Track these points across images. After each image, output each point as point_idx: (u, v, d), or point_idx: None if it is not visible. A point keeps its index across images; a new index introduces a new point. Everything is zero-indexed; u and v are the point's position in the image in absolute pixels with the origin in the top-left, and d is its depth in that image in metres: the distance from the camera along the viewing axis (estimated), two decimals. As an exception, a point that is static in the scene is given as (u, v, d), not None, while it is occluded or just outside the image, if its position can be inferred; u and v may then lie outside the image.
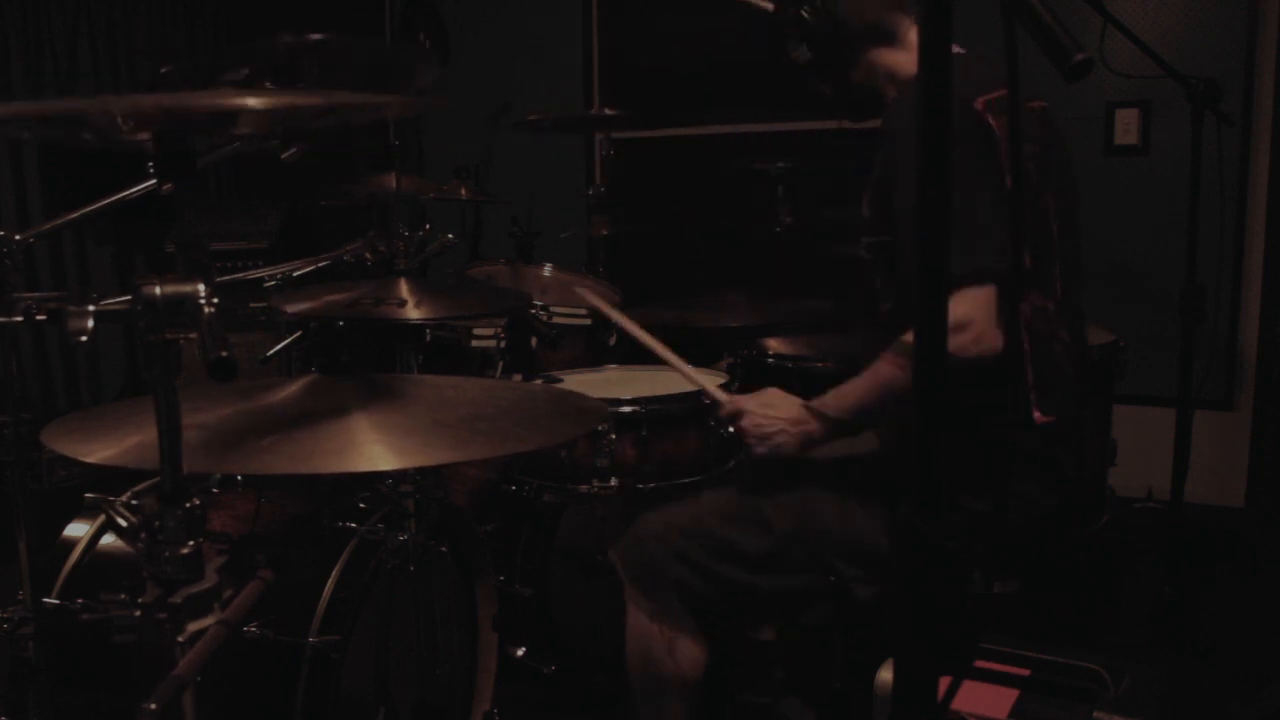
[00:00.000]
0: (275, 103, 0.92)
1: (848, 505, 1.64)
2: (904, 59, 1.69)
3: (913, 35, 1.68)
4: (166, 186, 0.93)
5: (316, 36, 1.55)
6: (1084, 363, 1.69)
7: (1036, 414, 1.57)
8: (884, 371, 1.55)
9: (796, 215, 2.99)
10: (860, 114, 1.81)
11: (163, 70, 1.62)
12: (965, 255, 1.44)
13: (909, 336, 1.48)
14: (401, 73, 1.82)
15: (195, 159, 0.92)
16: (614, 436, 2.14)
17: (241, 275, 1.87)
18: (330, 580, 1.58)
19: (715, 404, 1.80)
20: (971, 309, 1.45)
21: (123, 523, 0.93)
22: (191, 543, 0.91)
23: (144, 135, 0.90)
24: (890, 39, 1.68)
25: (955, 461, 1.41)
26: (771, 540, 1.64)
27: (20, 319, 1.24)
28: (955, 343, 1.41)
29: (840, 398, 1.62)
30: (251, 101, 0.88)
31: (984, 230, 1.45)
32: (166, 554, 0.90)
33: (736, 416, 1.71)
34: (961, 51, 1.66)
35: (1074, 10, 2.32)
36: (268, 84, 1.59)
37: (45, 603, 1.39)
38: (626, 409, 2.15)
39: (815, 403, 1.65)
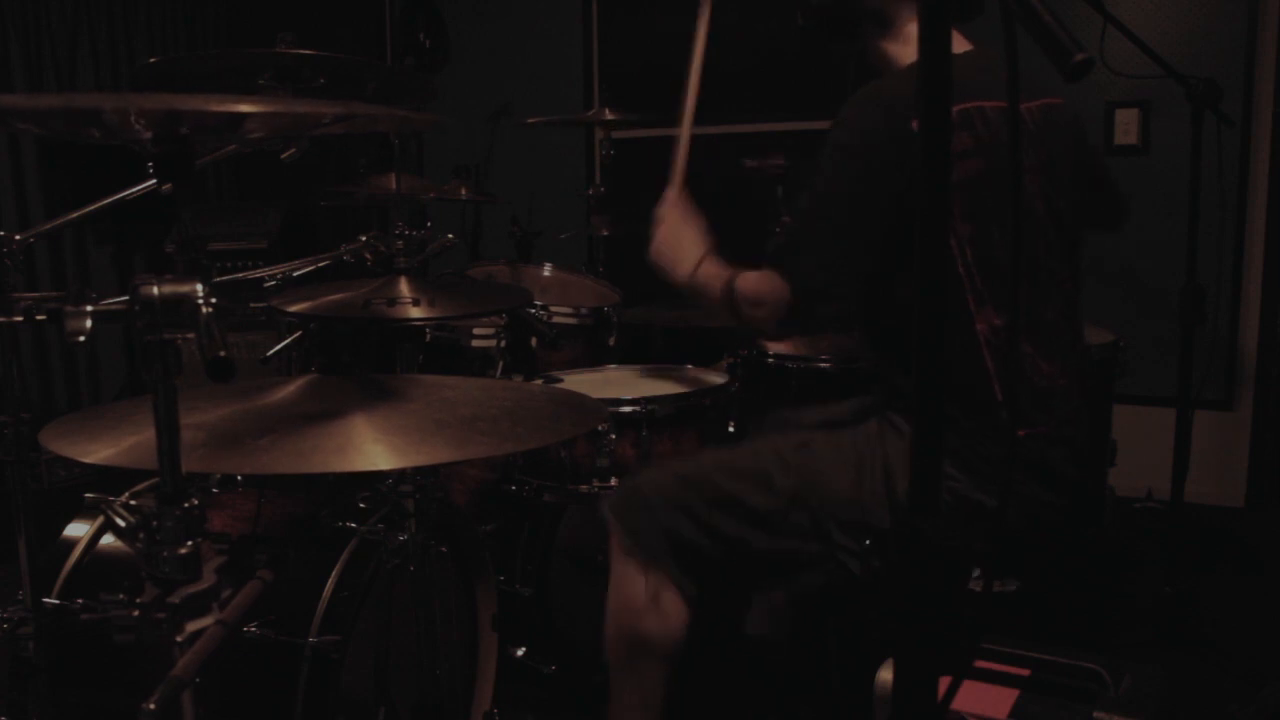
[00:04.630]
0: (285, 109, 0.92)
1: (852, 479, 1.64)
2: (896, 50, 1.69)
3: (910, 27, 1.68)
4: (166, 186, 0.93)
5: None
6: (1075, 365, 1.68)
7: (1011, 428, 1.56)
8: (713, 285, 1.69)
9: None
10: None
11: (151, 61, 1.63)
12: (796, 250, 1.60)
13: (745, 283, 1.65)
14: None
15: (194, 159, 0.91)
16: (614, 436, 2.14)
17: (241, 275, 1.87)
18: (330, 580, 1.58)
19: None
20: (768, 290, 1.60)
21: (121, 523, 0.93)
22: (190, 543, 0.91)
23: (149, 134, 0.90)
24: (886, 26, 1.68)
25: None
26: (774, 499, 1.64)
27: (20, 319, 1.24)
28: (751, 314, 1.66)
29: (705, 278, 1.73)
30: (263, 107, 0.88)
31: (822, 242, 1.59)
32: (164, 554, 0.90)
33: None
34: (969, 48, 1.66)
35: (1074, 10, 2.34)
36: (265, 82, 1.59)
37: (45, 603, 1.39)
38: (626, 409, 2.15)
39: (703, 266, 1.74)
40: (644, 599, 1.68)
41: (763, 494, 1.64)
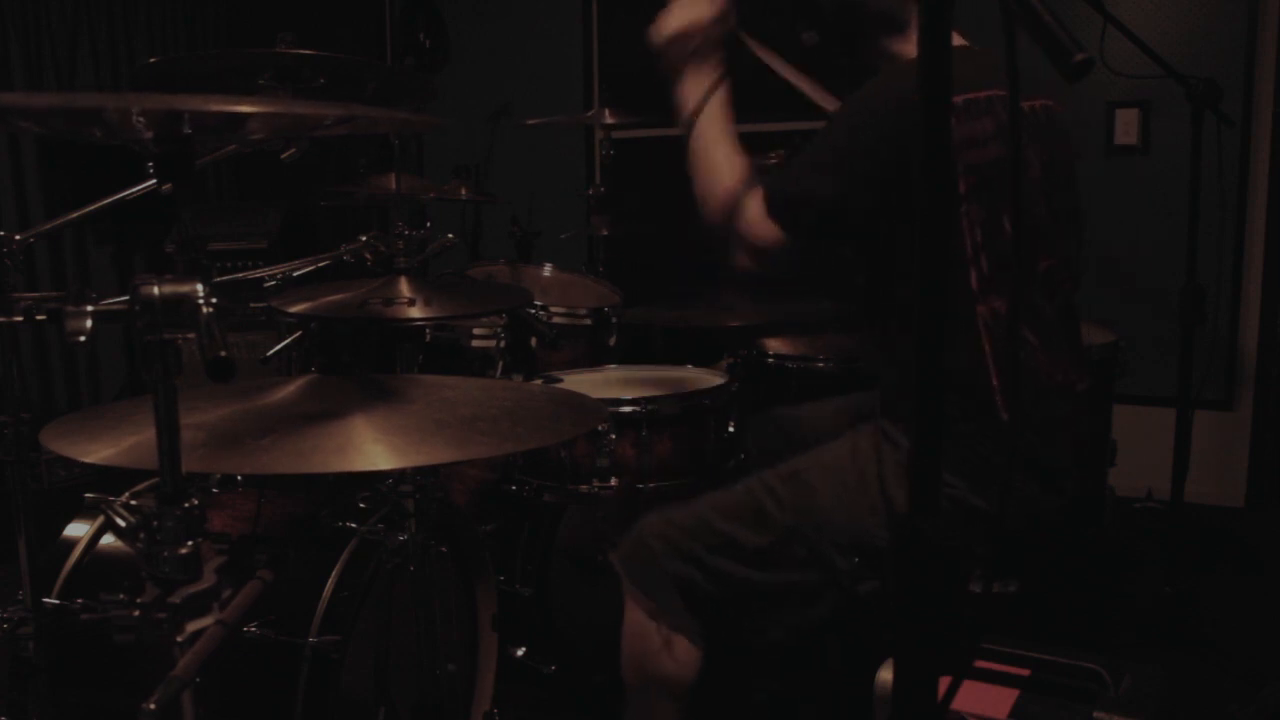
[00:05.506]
0: (288, 110, 0.92)
1: (847, 499, 1.64)
2: (908, 50, 1.68)
3: None
4: (166, 186, 0.93)
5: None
6: (1074, 364, 1.68)
7: (1004, 416, 1.57)
8: (725, 176, 1.62)
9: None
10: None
11: (151, 61, 1.63)
12: (785, 169, 1.59)
13: (751, 204, 1.58)
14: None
15: (195, 159, 0.91)
16: (614, 436, 2.14)
17: (241, 275, 1.87)
18: (330, 580, 1.58)
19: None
20: (753, 218, 1.57)
21: (121, 523, 0.93)
22: (190, 543, 0.91)
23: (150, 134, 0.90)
24: (901, 28, 1.67)
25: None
26: (771, 536, 1.64)
27: (20, 319, 1.24)
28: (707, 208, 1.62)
29: (706, 133, 1.68)
30: (264, 108, 0.88)
31: (813, 163, 1.57)
32: (165, 554, 0.90)
33: None
34: (964, 44, 1.66)
35: (1074, 10, 2.34)
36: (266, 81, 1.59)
37: (45, 603, 1.39)
38: (626, 409, 2.15)
39: (711, 111, 1.69)
40: (657, 644, 1.69)
41: (758, 531, 1.64)
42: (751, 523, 1.65)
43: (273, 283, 1.83)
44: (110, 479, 1.35)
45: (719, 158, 1.66)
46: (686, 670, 1.70)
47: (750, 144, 1.75)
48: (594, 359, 2.65)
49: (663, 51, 1.69)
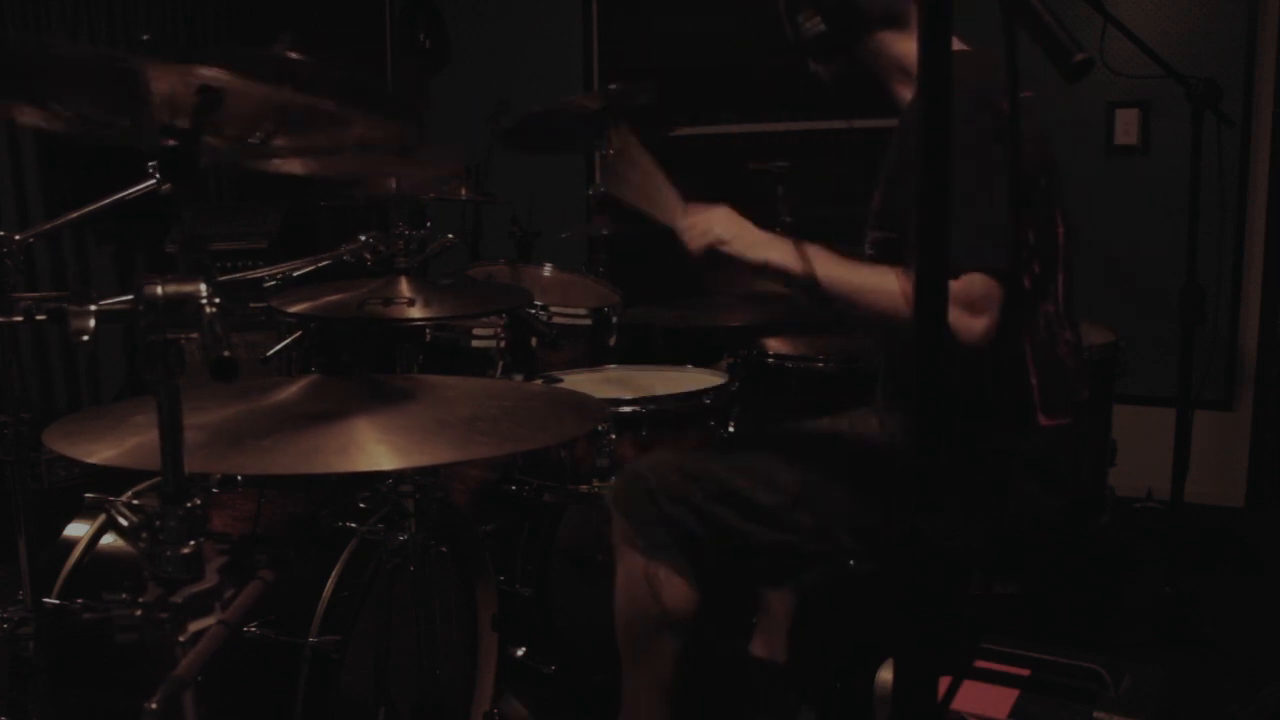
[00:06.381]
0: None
1: (858, 492, 1.63)
2: (913, 48, 1.67)
3: None
4: (166, 186, 0.93)
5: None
6: (1083, 365, 1.69)
7: (1040, 418, 1.57)
8: (888, 281, 1.44)
9: (796, 215, 2.99)
10: (854, 98, 1.75)
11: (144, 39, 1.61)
12: (985, 247, 1.38)
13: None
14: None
15: (197, 159, 0.92)
16: (614, 436, 2.14)
17: (241, 275, 1.87)
18: (330, 580, 1.58)
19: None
20: (987, 292, 1.39)
21: (123, 522, 0.93)
22: (192, 542, 0.91)
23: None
24: (902, 24, 1.65)
25: (960, 465, 1.42)
26: (777, 497, 1.63)
27: (20, 319, 1.24)
28: (967, 324, 1.37)
29: (830, 265, 1.50)
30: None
31: (1006, 230, 1.39)
32: (167, 553, 0.90)
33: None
34: (966, 48, 1.66)
35: (1074, 10, 2.34)
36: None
37: (45, 603, 1.39)
38: (626, 409, 2.15)
39: (798, 246, 1.52)
40: (648, 585, 1.67)
41: (766, 491, 1.64)
42: (759, 481, 1.64)
43: (273, 283, 1.83)
44: (109, 479, 1.35)
45: (863, 279, 1.49)
46: (681, 610, 1.67)
47: (751, 144, 1.74)
48: (594, 359, 2.65)
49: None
